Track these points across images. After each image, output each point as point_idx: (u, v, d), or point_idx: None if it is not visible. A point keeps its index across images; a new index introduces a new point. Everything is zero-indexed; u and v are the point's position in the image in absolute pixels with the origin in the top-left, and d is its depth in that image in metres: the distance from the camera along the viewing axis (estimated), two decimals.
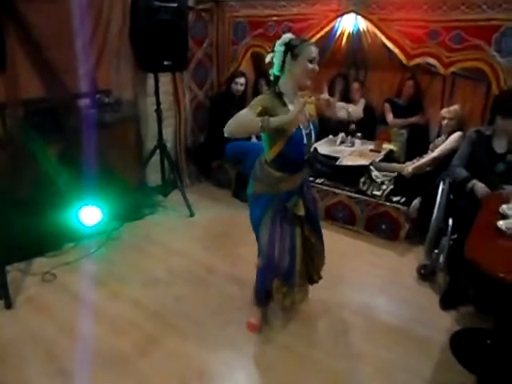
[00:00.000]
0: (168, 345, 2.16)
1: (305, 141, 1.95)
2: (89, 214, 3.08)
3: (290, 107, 1.87)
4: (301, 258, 2.13)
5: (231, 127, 1.77)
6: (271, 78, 1.99)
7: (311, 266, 2.27)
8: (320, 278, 2.34)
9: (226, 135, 1.79)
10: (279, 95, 1.91)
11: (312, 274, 2.30)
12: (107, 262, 2.88)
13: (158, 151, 3.69)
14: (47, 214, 2.81)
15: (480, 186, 2.50)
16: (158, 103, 3.55)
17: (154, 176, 3.91)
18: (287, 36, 1.90)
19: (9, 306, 2.38)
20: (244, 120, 1.78)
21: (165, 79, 3.81)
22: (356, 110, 2.54)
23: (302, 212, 2.04)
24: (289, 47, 1.86)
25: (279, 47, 1.88)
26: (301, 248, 2.12)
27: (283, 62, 1.88)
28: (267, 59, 1.96)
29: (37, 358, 2.04)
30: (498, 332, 2.09)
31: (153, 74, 3.51)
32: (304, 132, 1.94)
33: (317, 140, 4.05)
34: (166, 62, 3.34)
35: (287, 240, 2.06)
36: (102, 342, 2.15)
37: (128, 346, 2.14)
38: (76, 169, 2.95)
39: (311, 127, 2.01)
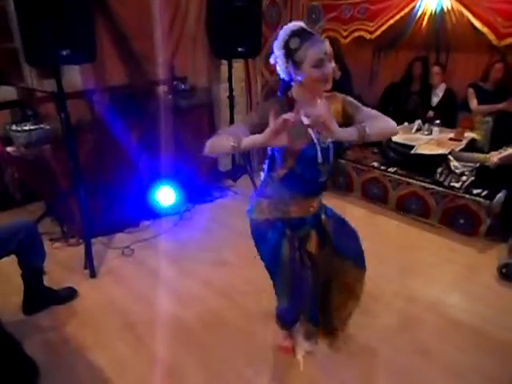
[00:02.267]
0: (233, 323, 2.24)
1: (319, 159, 1.53)
2: (164, 195, 3.27)
3: (304, 119, 1.42)
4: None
5: (208, 145, 1.48)
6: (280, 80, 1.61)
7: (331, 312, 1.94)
8: (343, 329, 2.02)
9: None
10: (290, 103, 1.50)
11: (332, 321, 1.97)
12: (179, 241, 3.04)
13: None
14: (128, 193, 3.02)
15: None
16: (231, 90, 3.63)
17: (224, 161, 4.03)
18: (288, 29, 1.46)
19: (93, 275, 2.62)
20: (217, 139, 1.47)
21: (237, 65, 3.87)
22: None
23: (312, 249, 1.71)
24: (289, 53, 1.45)
25: (277, 51, 1.49)
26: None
27: (286, 68, 1.49)
28: (271, 61, 1.56)
29: (115, 324, 2.23)
30: None
31: (226, 61, 3.59)
32: (318, 148, 1.53)
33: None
34: (239, 49, 3.39)
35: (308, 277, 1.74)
36: (172, 314, 2.29)
37: (195, 320, 2.26)
38: (154, 152, 3.13)
39: (329, 141, 1.56)
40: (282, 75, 1.54)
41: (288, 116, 1.25)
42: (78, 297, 2.43)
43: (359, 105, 1.61)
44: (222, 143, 1.44)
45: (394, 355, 2.02)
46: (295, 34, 1.44)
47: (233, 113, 3.68)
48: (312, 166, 1.56)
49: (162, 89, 3.45)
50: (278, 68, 1.53)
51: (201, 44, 3.53)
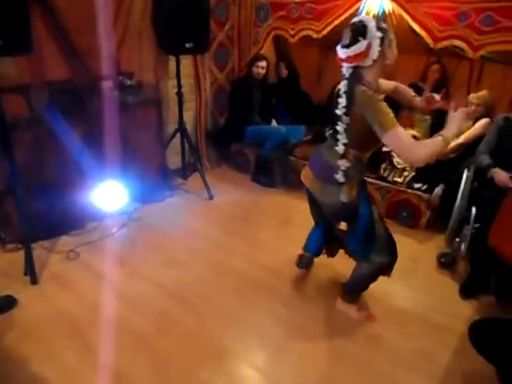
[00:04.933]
0: (187, 324, 2.21)
1: None
2: (111, 195, 3.14)
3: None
4: None
5: (428, 156, 1.68)
6: (347, 72, 1.77)
7: None
8: None
9: (422, 165, 1.89)
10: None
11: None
12: (128, 242, 2.95)
13: (178, 134, 3.71)
14: (71, 193, 2.87)
15: (500, 174, 2.43)
16: (179, 86, 3.56)
17: (174, 159, 3.95)
18: (367, 17, 1.74)
19: (34, 282, 2.47)
20: (430, 144, 1.72)
21: (186, 62, 3.81)
22: None
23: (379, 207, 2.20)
24: (384, 35, 1.70)
25: (377, 33, 1.68)
26: None
27: (380, 52, 1.71)
28: (360, 49, 1.69)
29: (61, 333, 2.12)
30: None
31: (174, 57, 3.51)
32: None
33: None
34: (187, 45, 3.32)
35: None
36: (122, 319, 2.21)
37: (147, 323, 2.20)
38: (99, 150, 3.00)
39: None
40: (369, 62, 1.72)
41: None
42: (17, 305, 2.27)
43: None
44: (432, 144, 1.70)
45: (340, 343, 2.10)
46: (378, 18, 1.70)
47: (182, 109, 3.61)
48: None
49: (106, 84, 3.31)
50: (364, 54, 1.69)
51: (147, 39, 3.43)
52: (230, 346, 2.07)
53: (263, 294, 2.43)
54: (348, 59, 1.73)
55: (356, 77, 1.74)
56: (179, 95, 3.58)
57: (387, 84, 2.11)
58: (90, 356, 1.98)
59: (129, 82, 3.36)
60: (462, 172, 2.69)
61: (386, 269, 2.15)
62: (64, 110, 2.84)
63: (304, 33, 3.84)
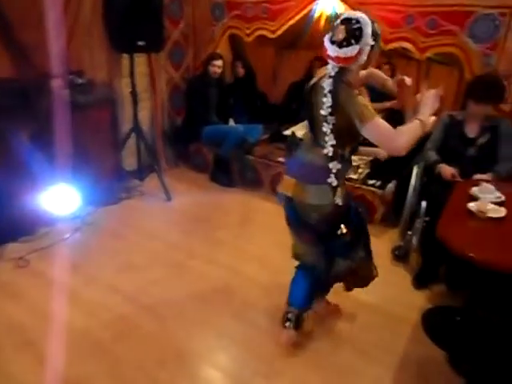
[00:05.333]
0: (146, 328, 2.16)
1: None
2: (63, 199, 3.01)
3: None
4: None
5: (408, 143, 1.64)
6: (332, 72, 1.66)
7: None
8: None
9: (404, 153, 1.66)
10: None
11: None
12: (82, 247, 2.84)
13: (133, 134, 3.61)
14: (20, 198, 2.72)
15: (445, 169, 2.56)
16: (133, 85, 3.47)
17: (130, 160, 3.84)
18: (364, 17, 1.59)
19: None
20: (404, 131, 1.69)
21: (140, 60, 3.71)
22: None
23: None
24: (376, 37, 1.61)
25: (370, 40, 1.59)
26: None
27: (371, 54, 1.63)
28: (351, 53, 1.59)
29: (10, 346, 2.00)
30: (467, 309, 2.19)
31: (127, 55, 3.42)
32: None
33: (295, 124, 4.10)
34: (140, 43, 3.25)
35: None
36: (77, 327, 2.13)
37: (104, 330, 2.13)
38: (49, 152, 2.86)
39: None
40: (356, 66, 1.66)
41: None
42: None
43: None
44: (410, 130, 1.69)
45: (305, 340, 2.11)
46: (372, 21, 1.60)
47: (136, 109, 3.52)
48: None
49: (55, 83, 3.16)
50: (354, 59, 1.61)
51: (98, 36, 3.31)
52: (191, 348, 2.04)
53: (223, 294, 2.42)
54: (336, 59, 1.63)
55: (341, 76, 1.67)
56: (133, 94, 3.49)
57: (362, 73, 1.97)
58: (42, 368, 1.88)
59: (79, 81, 3.24)
60: (412, 168, 2.81)
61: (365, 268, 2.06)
62: (10, 109, 2.69)
63: (259, 32, 3.86)
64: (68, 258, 2.68)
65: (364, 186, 3.27)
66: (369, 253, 2.04)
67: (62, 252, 2.76)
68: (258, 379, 1.89)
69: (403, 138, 1.66)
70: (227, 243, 2.94)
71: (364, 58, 1.63)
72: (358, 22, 1.58)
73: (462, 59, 3.01)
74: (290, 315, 1.98)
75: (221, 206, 3.59)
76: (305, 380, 1.90)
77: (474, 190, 2.08)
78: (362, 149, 3.58)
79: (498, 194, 2.04)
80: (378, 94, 4.01)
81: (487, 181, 2.26)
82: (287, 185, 1.88)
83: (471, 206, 1.91)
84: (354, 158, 3.42)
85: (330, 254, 1.99)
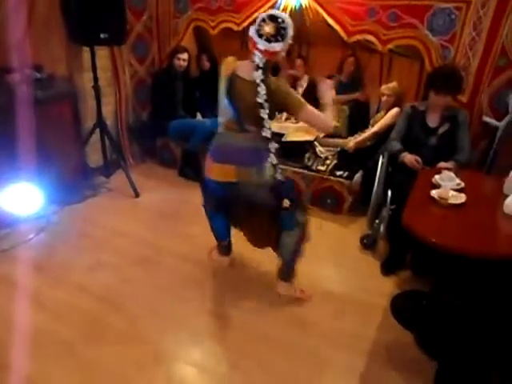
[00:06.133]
0: (118, 328, 2.11)
1: None
2: (24, 198, 2.89)
3: None
4: None
5: (333, 121, 2.29)
6: (260, 64, 1.88)
7: None
8: None
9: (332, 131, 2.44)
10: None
11: None
12: (47, 248, 2.74)
13: (97, 130, 3.51)
14: None
15: (408, 157, 2.64)
16: (96, 79, 3.36)
17: (94, 156, 3.74)
18: (290, 20, 1.91)
19: None
20: (319, 114, 2.06)
21: (102, 53, 3.60)
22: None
23: None
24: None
25: (290, 40, 1.93)
26: None
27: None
28: (276, 49, 1.90)
29: None
30: (433, 293, 2.28)
31: (88, 48, 3.30)
32: None
33: None
34: (102, 35, 3.14)
35: None
36: (44, 331, 2.06)
37: (73, 333, 2.07)
38: (8, 149, 2.74)
39: None
40: (279, 57, 1.97)
41: None
42: None
43: None
44: (330, 112, 2.26)
45: (270, 329, 2.14)
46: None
47: (100, 104, 3.42)
48: None
49: (13, 78, 3.02)
50: (277, 54, 1.92)
51: (56, 28, 3.17)
52: (165, 346, 2.02)
53: (193, 289, 2.41)
54: (265, 52, 1.87)
55: (267, 67, 1.92)
56: (96, 89, 3.38)
57: None
58: (7, 374, 1.81)
59: (38, 75, 3.10)
60: (378, 158, 2.88)
61: (307, 226, 2.25)
62: None
63: (224, 25, 3.83)
64: (32, 259, 2.59)
65: (332, 178, 3.32)
66: (306, 216, 2.25)
67: (26, 253, 2.65)
68: (233, 371, 1.90)
69: (329, 118, 2.19)
70: (198, 237, 2.90)
71: (283, 54, 1.96)
72: (283, 21, 1.85)
73: (423, 52, 3.10)
74: (222, 247, 2.56)
75: (190, 201, 3.54)
76: (275, 367, 1.92)
77: (436, 177, 2.16)
78: (329, 140, 3.64)
79: (458, 180, 2.12)
80: (344, 86, 4.12)
81: (449, 169, 2.35)
82: (226, 172, 2.06)
83: (433, 193, 1.97)
84: (321, 149, 3.49)
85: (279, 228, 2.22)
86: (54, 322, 2.13)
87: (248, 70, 1.92)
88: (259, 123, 1.93)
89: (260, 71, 1.87)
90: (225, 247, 2.59)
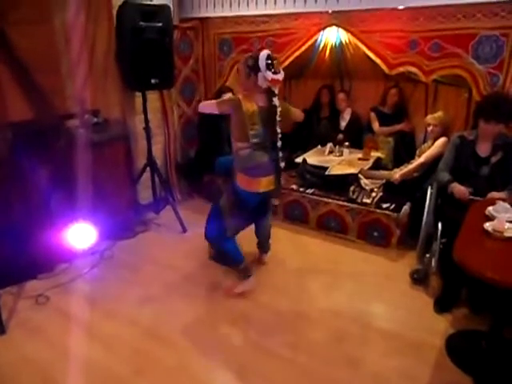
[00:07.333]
0: (166, 362, 2.14)
1: None
2: (81, 235, 3.07)
3: None
4: None
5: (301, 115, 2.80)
6: (276, 91, 2.40)
7: None
8: None
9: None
10: None
11: None
12: (101, 282, 2.87)
13: (148, 168, 3.70)
14: (39, 235, 2.79)
15: (458, 188, 2.54)
16: (147, 121, 3.58)
17: (145, 193, 3.92)
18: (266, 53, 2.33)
19: (2, 331, 2.35)
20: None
21: (153, 97, 3.85)
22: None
23: None
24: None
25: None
26: None
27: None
28: (282, 77, 2.39)
29: (31, 382, 2.01)
30: (492, 332, 2.12)
31: (140, 93, 3.55)
32: None
33: (306, 151, 4.16)
34: (153, 81, 3.39)
35: None
36: (97, 362, 2.13)
37: (125, 365, 2.12)
38: (67, 189, 2.95)
39: None
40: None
41: None
42: None
43: None
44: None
45: (323, 368, 2.07)
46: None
47: (150, 144, 3.62)
48: None
49: (72, 123, 3.30)
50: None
51: (112, 76, 3.46)
52: (213, 380, 2.02)
53: (241, 324, 2.40)
54: (278, 82, 2.36)
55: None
56: (147, 130, 3.60)
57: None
58: None
59: (95, 120, 3.36)
60: (426, 190, 2.80)
61: None
62: (29, 150, 2.80)
63: None
64: (87, 293, 2.71)
65: (378, 210, 3.25)
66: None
67: (81, 287, 2.79)
68: None
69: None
70: None
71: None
72: (275, 58, 2.37)
73: (469, 80, 3.03)
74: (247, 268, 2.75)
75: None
76: None
77: (490, 209, 2.06)
78: (374, 172, 3.59)
79: None
80: (387, 118, 4.09)
81: (503, 199, 2.23)
82: (269, 182, 2.51)
83: (487, 225, 1.88)
84: (366, 181, 3.45)
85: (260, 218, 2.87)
86: (105, 353, 2.20)
87: (262, 99, 2.38)
88: (275, 137, 2.43)
89: (276, 97, 2.37)
90: (245, 268, 2.72)
